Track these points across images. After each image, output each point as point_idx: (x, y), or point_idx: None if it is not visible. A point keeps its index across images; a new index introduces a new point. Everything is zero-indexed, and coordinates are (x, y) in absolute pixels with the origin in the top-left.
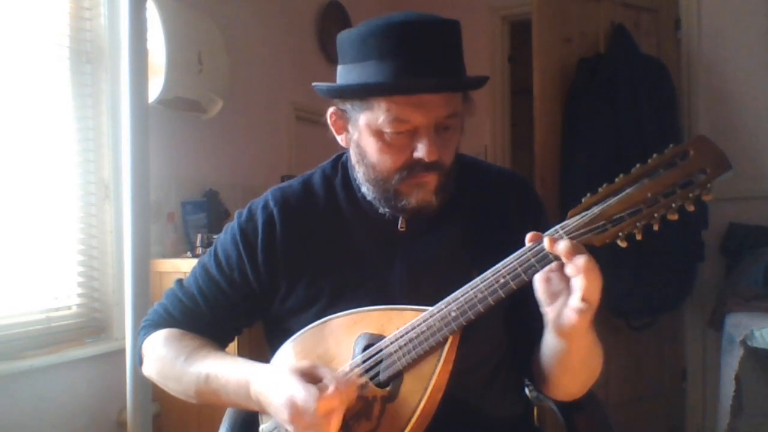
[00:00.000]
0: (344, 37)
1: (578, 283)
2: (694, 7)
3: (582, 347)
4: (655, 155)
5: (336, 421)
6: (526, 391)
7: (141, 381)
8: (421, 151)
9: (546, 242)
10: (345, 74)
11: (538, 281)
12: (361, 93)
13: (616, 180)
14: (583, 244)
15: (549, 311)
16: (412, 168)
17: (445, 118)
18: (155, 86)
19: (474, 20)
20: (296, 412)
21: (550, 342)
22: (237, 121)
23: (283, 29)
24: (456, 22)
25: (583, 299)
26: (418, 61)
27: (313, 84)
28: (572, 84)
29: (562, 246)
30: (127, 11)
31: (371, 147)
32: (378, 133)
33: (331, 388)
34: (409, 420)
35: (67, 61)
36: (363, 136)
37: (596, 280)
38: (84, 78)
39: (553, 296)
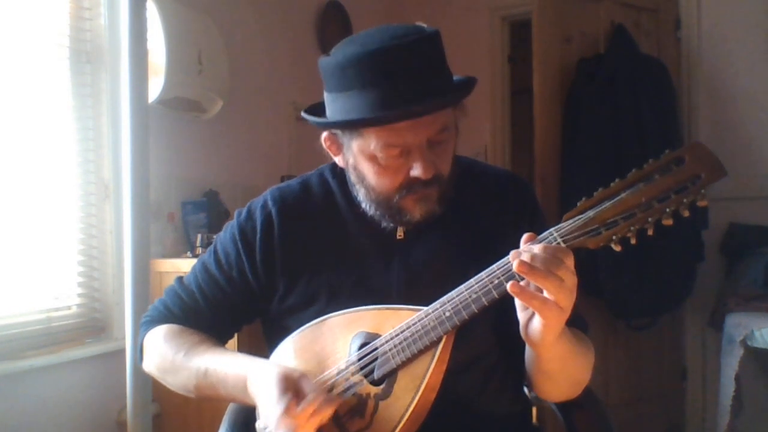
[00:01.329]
0: (324, 65)
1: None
2: (694, 7)
3: (554, 357)
4: (650, 160)
5: None
6: (526, 390)
7: (141, 381)
8: (417, 170)
9: (511, 256)
10: (331, 103)
11: (509, 284)
12: (349, 127)
13: (612, 184)
14: (577, 247)
15: (520, 317)
16: (411, 186)
17: (436, 134)
18: (155, 86)
19: (474, 20)
20: (265, 418)
21: (528, 348)
22: (237, 121)
23: (283, 29)
24: (434, 33)
25: (544, 318)
26: (401, 88)
27: (302, 115)
28: (572, 84)
29: (515, 265)
30: (127, 11)
31: (368, 171)
32: (372, 158)
33: (298, 408)
34: (402, 418)
35: (67, 61)
36: (358, 161)
37: (557, 304)
38: (84, 78)
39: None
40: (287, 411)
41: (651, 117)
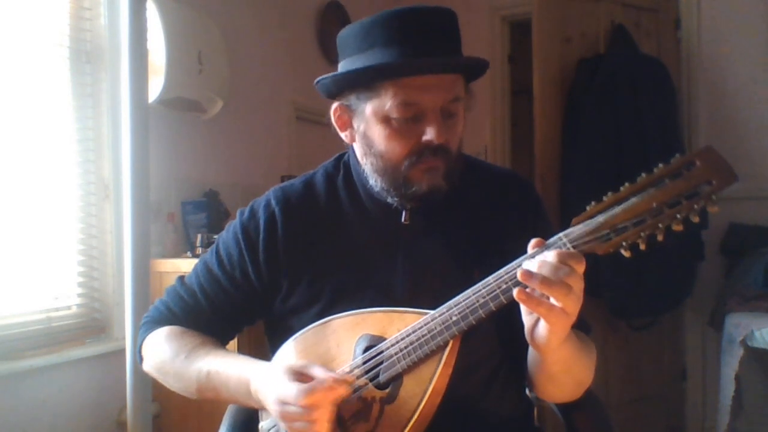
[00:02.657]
0: (346, 32)
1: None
2: (694, 7)
3: (558, 360)
4: (660, 165)
5: (322, 418)
6: (527, 391)
7: (141, 381)
8: (429, 134)
9: (518, 273)
10: (349, 65)
11: (515, 291)
12: (369, 75)
13: (621, 189)
14: (586, 253)
15: (525, 321)
16: (421, 153)
17: (450, 102)
18: (155, 86)
19: (474, 20)
20: (283, 409)
21: (531, 350)
22: (237, 121)
23: (283, 29)
24: (453, 11)
25: (550, 323)
26: (423, 44)
27: (316, 80)
28: (572, 84)
29: (518, 274)
30: (127, 11)
31: (379, 135)
32: (385, 120)
33: (315, 385)
34: (408, 422)
35: (67, 61)
36: (370, 126)
37: (563, 311)
38: (84, 78)
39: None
40: (305, 393)
41: (651, 117)
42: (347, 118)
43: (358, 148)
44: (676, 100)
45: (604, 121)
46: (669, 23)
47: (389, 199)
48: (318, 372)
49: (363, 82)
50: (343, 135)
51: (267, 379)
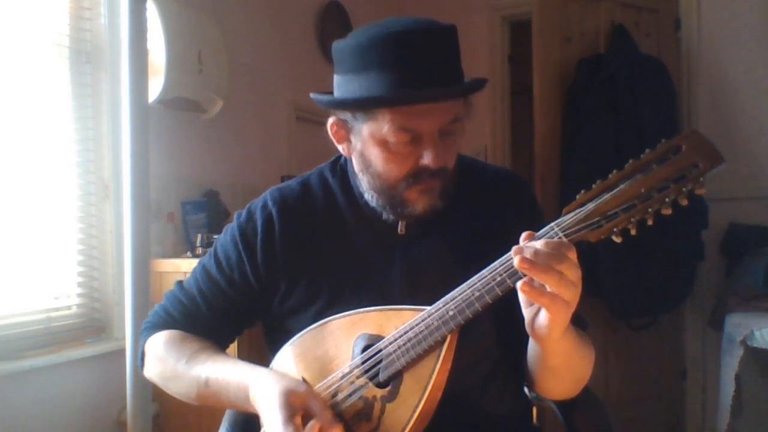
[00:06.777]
0: (341, 47)
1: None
2: (694, 7)
3: (559, 352)
4: (647, 150)
5: None
6: (526, 390)
7: (141, 381)
8: (427, 159)
9: (513, 252)
10: (345, 85)
11: (519, 283)
12: (366, 106)
13: (610, 176)
14: (578, 241)
15: (526, 314)
16: (418, 175)
17: (448, 124)
18: (155, 86)
19: (474, 20)
20: None
21: (531, 344)
22: (237, 121)
23: (283, 29)
24: (453, 26)
25: (552, 313)
26: (420, 71)
27: (312, 96)
28: (572, 84)
29: (517, 262)
30: (127, 11)
31: (376, 156)
32: (383, 143)
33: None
34: (410, 419)
35: (67, 61)
36: (367, 146)
37: (564, 299)
38: (84, 78)
39: (530, 300)
40: None
41: (651, 117)
42: (344, 133)
43: (355, 163)
44: (676, 100)
45: (604, 121)
46: (669, 23)
47: (384, 215)
48: (316, 408)
49: (361, 108)
50: (340, 147)
51: (264, 395)
